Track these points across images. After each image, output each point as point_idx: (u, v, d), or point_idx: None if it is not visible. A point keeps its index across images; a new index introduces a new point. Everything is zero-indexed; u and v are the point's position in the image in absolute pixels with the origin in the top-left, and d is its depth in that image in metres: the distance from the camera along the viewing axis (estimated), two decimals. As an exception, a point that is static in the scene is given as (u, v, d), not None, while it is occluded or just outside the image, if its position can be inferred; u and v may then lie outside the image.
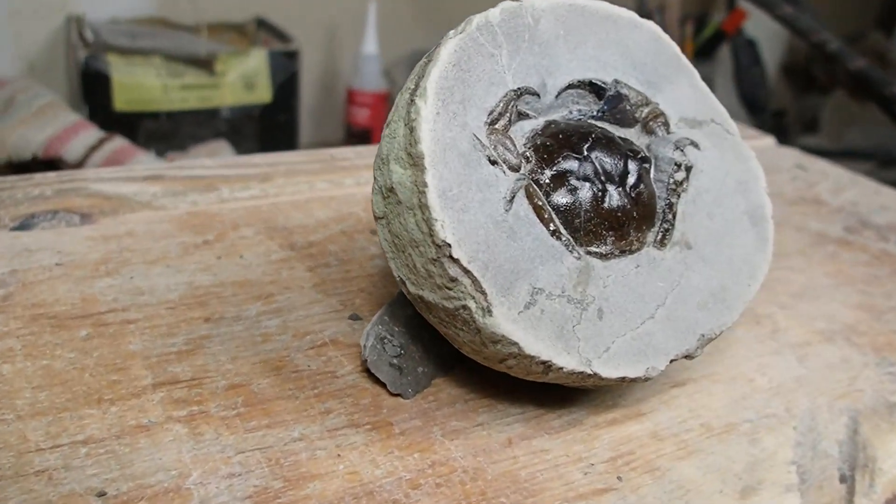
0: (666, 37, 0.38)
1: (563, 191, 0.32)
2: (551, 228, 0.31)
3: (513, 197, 0.30)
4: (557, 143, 0.32)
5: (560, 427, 0.33)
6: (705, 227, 0.35)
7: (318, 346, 0.36)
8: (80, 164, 0.79)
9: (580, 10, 0.35)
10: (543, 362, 0.29)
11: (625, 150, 0.34)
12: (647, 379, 0.31)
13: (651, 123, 0.36)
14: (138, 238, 0.42)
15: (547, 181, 0.32)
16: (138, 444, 0.29)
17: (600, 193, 0.32)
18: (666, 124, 0.36)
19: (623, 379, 0.31)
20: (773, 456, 0.33)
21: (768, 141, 0.73)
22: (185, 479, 0.28)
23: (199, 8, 1.30)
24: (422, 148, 0.28)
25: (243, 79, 1.17)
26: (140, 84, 1.09)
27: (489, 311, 0.28)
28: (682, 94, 0.37)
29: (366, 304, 0.39)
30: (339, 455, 0.30)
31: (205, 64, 1.15)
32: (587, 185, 0.32)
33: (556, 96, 0.34)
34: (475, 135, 0.30)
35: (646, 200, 0.34)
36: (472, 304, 0.28)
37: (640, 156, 0.34)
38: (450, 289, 0.28)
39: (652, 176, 0.35)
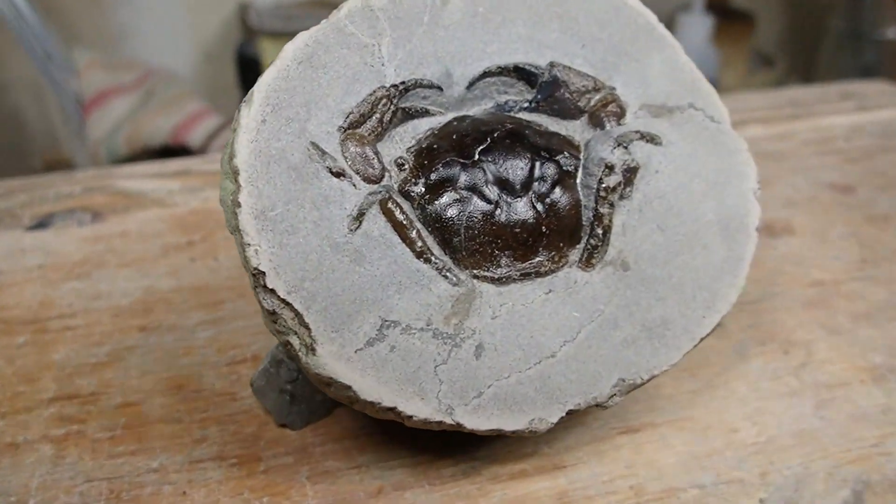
0: (635, 4, 0.31)
1: (439, 204, 0.27)
2: (417, 249, 0.26)
3: (360, 214, 0.26)
4: (447, 145, 0.28)
5: (449, 476, 0.28)
6: (652, 242, 0.28)
7: (236, 362, 0.34)
8: (202, 151, 0.83)
9: (511, -20, 0.30)
10: (390, 409, 0.25)
11: (539, 151, 0.28)
12: (531, 433, 0.26)
13: (599, 114, 0.30)
14: (128, 239, 0.43)
15: (420, 192, 0.27)
16: None
17: (489, 205, 0.27)
18: (618, 114, 0.30)
19: (498, 432, 0.26)
20: (711, 537, 0.26)
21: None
22: (20, 508, 0.27)
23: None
24: (236, 162, 0.25)
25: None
26: (290, 67, 1.12)
27: (312, 350, 0.25)
28: (651, 74, 0.30)
29: (312, 316, 0.36)
30: (184, 493, 0.28)
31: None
32: (472, 195, 0.27)
33: (469, 87, 0.29)
34: (313, 143, 0.26)
35: (562, 212, 0.28)
36: (294, 341, 0.25)
37: (558, 157, 0.28)
38: (274, 322, 0.25)
39: (579, 181, 0.28)
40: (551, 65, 0.29)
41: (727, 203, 0.29)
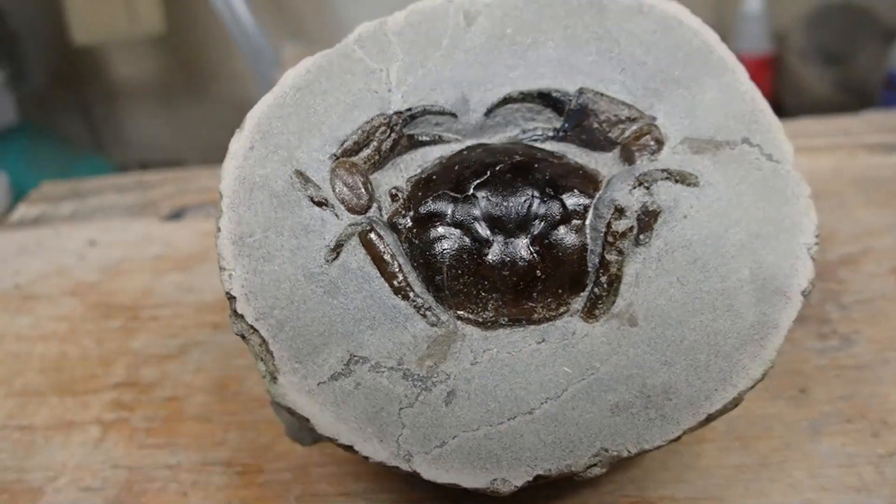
0: (692, 23, 0.27)
1: (425, 239, 0.26)
2: (396, 284, 0.25)
3: (339, 245, 0.25)
4: (445, 176, 0.26)
5: (428, 521, 0.27)
6: (668, 297, 0.25)
7: (280, 369, 0.35)
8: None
9: (548, -2, 0.28)
10: (347, 446, 0.25)
11: (544, 187, 0.26)
12: (493, 492, 0.24)
13: (631, 147, 0.27)
14: (238, 235, 0.46)
15: (408, 226, 0.26)
16: (53, 439, 0.32)
17: (477, 244, 0.25)
18: (653, 148, 0.26)
19: (456, 487, 0.24)
20: None
21: None
22: (52, 482, 0.30)
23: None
24: (221, 187, 0.25)
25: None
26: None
27: (274, 378, 0.25)
28: (702, 103, 0.27)
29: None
30: (184, 494, 0.29)
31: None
32: (458, 232, 0.25)
33: (488, 114, 0.27)
34: (297, 171, 0.26)
35: (563, 256, 0.25)
36: (261, 367, 0.25)
37: (565, 195, 0.26)
38: (247, 346, 0.25)
39: (588, 223, 0.26)
40: (580, 91, 0.27)
41: (769, 260, 0.25)
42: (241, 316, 0.25)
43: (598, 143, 0.27)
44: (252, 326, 0.25)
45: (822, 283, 0.37)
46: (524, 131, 0.28)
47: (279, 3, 1.14)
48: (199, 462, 0.30)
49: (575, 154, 0.27)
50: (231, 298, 0.25)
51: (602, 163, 0.27)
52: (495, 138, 0.28)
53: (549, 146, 0.27)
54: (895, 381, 0.31)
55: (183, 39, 1.09)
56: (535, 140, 0.28)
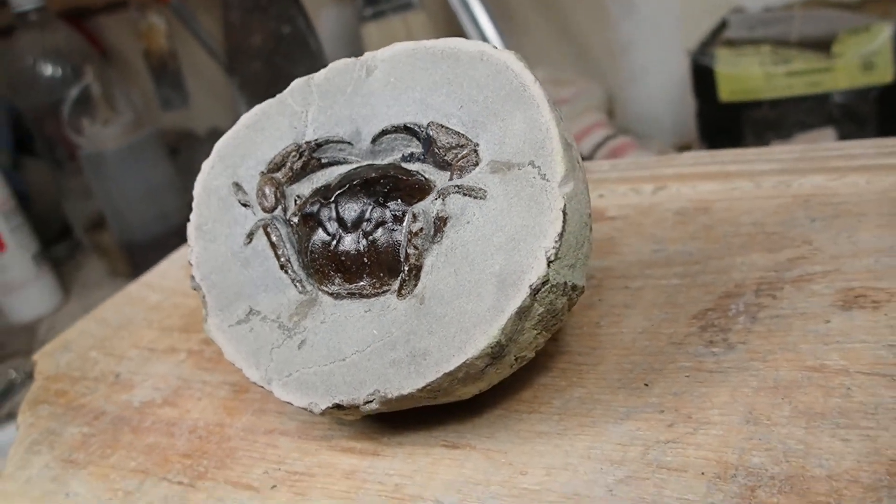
0: (516, 68, 0.34)
1: (305, 232, 0.36)
2: (281, 262, 0.36)
3: (251, 234, 0.37)
4: (326, 188, 0.36)
5: (305, 436, 0.37)
6: (446, 283, 0.32)
7: (306, 328, 0.47)
8: (589, 158, 0.93)
9: (422, 53, 0.36)
10: (239, 369, 0.36)
11: (378, 197, 0.35)
12: (311, 411, 0.34)
13: (454, 167, 0.34)
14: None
15: (296, 223, 0.37)
16: (161, 358, 0.49)
17: (329, 237, 0.35)
18: (468, 169, 0.34)
19: (289, 404, 0.34)
20: (400, 540, 0.30)
21: None
22: (143, 382, 0.46)
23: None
24: (193, 193, 0.39)
25: (862, 59, 1.06)
26: (743, 74, 1.12)
27: (206, 319, 0.37)
28: (511, 132, 0.33)
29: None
30: (199, 399, 0.43)
31: (822, 46, 1.09)
32: (320, 228, 0.35)
33: (373, 142, 0.37)
34: (234, 182, 0.38)
35: (381, 248, 0.34)
36: (203, 312, 0.38)
37: (390, 203, 0.34)
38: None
39: (404, 225, 0.34)
40: (428, 124, 0.35)
41: (515, 258, 0.31)
42: (194, 277, 0.38)
43: (440, 164, 0.35)
44: (199, 284, 0.38)
45: (758, 298, 0.39)
46: (403, 155, 0.37)
47: (564, 27, 1.25)
48: (221, 381, 0.44)
49: (431, 173, 0.35)
50: (191, 265, 0.38)
51: (444, 180, 0.35)
52: (386, 160, 0.37)
53: (416, 166, 0.36)
54: (735, 386, 0.33)
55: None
56: (409, 161, 0.36)
